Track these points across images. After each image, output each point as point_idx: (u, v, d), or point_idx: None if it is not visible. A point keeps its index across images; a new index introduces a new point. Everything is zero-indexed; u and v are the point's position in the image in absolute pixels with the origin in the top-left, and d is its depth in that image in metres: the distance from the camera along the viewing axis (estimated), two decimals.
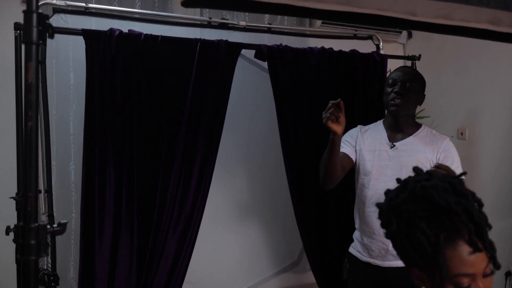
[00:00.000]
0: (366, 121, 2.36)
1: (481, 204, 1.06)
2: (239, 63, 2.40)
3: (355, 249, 2.23)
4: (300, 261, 3.04)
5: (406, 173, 2.04)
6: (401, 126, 2.16)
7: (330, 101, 1.97)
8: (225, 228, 2.88)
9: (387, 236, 1.11)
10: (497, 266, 1.02)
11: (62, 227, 1.10)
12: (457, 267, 1.00)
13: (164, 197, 2.21)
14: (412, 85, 2.11)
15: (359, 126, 2.30)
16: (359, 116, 2.55)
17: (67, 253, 2.59)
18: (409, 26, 1.53)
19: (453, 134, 3.34)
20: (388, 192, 1.13)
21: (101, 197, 2.13)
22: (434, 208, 1.01)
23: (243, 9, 2.34)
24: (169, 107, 2.22)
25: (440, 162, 2.03)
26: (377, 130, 2.23)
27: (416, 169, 1.14)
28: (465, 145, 3.25)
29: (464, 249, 1.00)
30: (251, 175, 2.97)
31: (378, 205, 1.13)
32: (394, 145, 2.14)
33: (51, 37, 2.03)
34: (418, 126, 2.21)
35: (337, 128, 1.97)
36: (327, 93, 2.50)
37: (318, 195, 2.51)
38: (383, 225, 1.12)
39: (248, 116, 2.89)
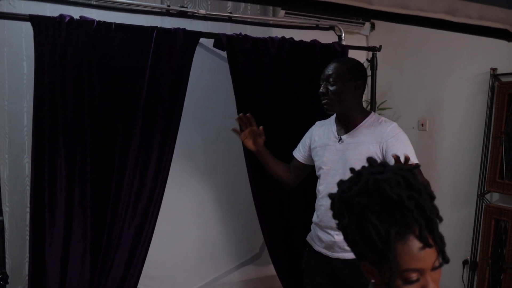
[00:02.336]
0: (327, 113, 2.35)
1: (433, 197, 1.05)
2: (198, 52, 2.34)
3: (310, 238, 2.27)
4: (261, 254, 3.03)
5: (350, 167, 2.06)
6: (346, 120, 2.13)
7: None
8: (185, 221, 2.84)
9: (339, 227, 1.09)
10: (446, 260, 1.01)
11: None
12: (406, 263, 0.98)
13: (119, 189, 2.15)
14: (337, 78, 2.07)
15: (316, 123, 2.32)
16: (320, 108, 2.52)
17: (22, 250, 2.52)
18: (366, 15, 1.50)
19: (414, 126, 3.39)
20: (340, 184, 1.10)
21: (51, 191, 2.04)
22: (386, 202, 0.99)
23: None
24: (124, 98, 2.15)
25: (384, 151, 2.00)
26: (329, 125, 2.23)
27: (370, 160, 1.11)
28: (426, 136, 3.30)
29: (414, 244, 0.98)
30: (211, 167, 2.92)
31: (331, 196, 1.10)
32: (341, 139, 2.12)
33: None
34: (366, 115, 2.14)
35: (249, 145, 2.28)
36: (288, 83, 2.49)
37: (280, 188, 2.49)
38: (335, 217, 1.09)
39: (206, 106, 2.84)
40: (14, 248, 2.48)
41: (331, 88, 2.08)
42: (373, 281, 1.08)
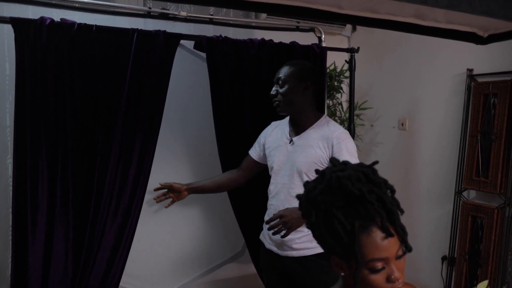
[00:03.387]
0: None
1: (393, 191, 1.10)
2: (179, 53, 2.38)
3: (262, 236, 2.32)
4: (244, 252, 3.04)
5: (297, 168, 2.11)
6: (298, 121, 2.17)
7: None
8: (167, 219, 2.84)
9: (308, 226, 1.14)
10: (408, 249, 1.07)
11: None
12: (371, 253, 1.03)
13: (101, 189, 2.18)
14: (286, 80, 2.12)
15: (272, 123, 2.36)
16: None
17: (6, 250, 2.52)
18: (338, 19, 1.55)
19: (394, 125, 3.44)
20: (306, 184, 1.15)
21: (33, 191, 2.07)
22: (349, 197, 1.04)
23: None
24: (105, 99, 2.17)
25: (329, 156, 2.03)
26: (283, 126, 2.26)
27: (332, 160, 1.17)
28: (406, 135, 3.36)
29: (377, 235, 1.03)
30: (191, 167, 2.93)
31: (298, 196, 1.16)
32: (292, 140, 2.16)
33: None
34: (318, 117, 2.17)
35: (180, 197, 2.40)
36: (267, 85, 2.50)
37: (255, 188, 2.50)
38: (303, 216, 1.14)
39: (187, 106, 2.86)
40: None
41: (280, 90, 2.13)
42: (342, 274, 1.13)
